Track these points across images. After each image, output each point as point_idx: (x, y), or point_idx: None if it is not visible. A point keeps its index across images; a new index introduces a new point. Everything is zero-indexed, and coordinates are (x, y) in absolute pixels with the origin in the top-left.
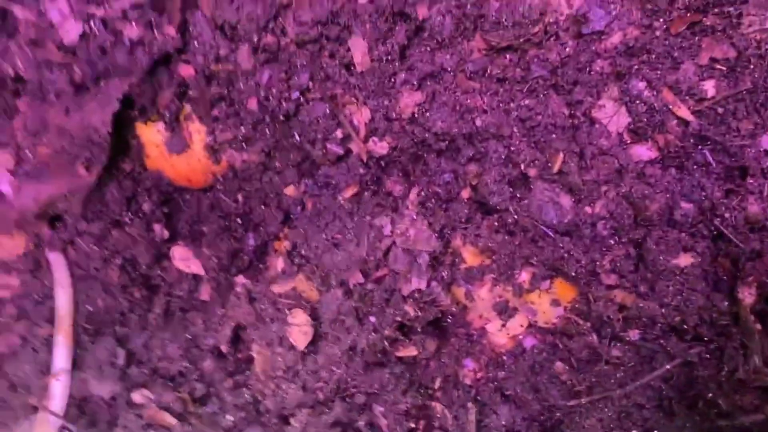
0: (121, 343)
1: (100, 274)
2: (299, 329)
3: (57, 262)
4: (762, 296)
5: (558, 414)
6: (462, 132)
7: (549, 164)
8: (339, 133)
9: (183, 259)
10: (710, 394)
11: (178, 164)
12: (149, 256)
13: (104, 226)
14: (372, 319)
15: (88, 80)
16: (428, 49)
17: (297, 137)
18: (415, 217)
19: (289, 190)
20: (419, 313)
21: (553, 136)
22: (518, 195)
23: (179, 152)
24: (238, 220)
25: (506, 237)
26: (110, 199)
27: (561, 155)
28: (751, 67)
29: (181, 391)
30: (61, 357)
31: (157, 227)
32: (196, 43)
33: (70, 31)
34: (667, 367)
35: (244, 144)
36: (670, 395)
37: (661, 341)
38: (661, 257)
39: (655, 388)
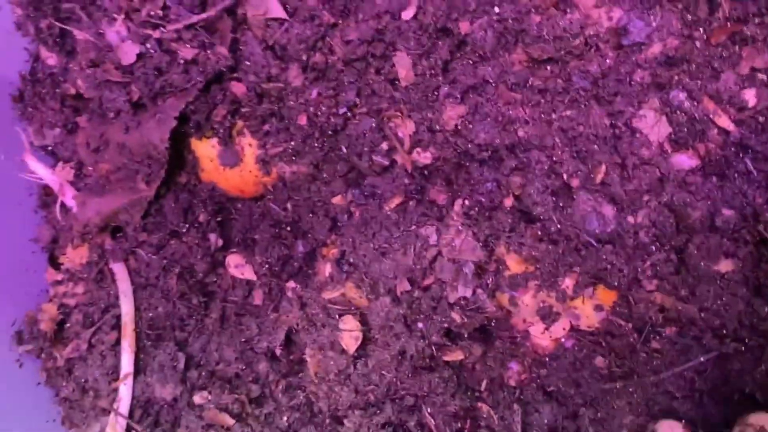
0: (181, 348)
1: (160, 282)
2: (350, 334)
3: (120, 271)
4: None
5: (593, 400)
6: (504, 143)
7: (591, 175)
8: (384, 146)
9: (237, 266)
10: (747, 389)
11: (231, 176)
12: (205, 264)
13: (163, 237)
14: (420, 325)
15: (145, 99)
16: (470, 62)
17: (344, 150)
18: (460, 227)
19: (337, 200)
20: (465, 320)
21: (595, 146)
22: (561, 205)
23: (232, 166)
24: (288, 228)
25: (550, 246)
26: (168, 211)
27: (603, 166)
28: None
29: (238, 392)
30: (127, 362)
31: (212, 236)
32: (247, 62)
33: (128, 53)
34: (702, 359)
35: (293, 157)
36: (703, 387)
37: (699, 339)
38: (702, 262)
39: (688, 379)
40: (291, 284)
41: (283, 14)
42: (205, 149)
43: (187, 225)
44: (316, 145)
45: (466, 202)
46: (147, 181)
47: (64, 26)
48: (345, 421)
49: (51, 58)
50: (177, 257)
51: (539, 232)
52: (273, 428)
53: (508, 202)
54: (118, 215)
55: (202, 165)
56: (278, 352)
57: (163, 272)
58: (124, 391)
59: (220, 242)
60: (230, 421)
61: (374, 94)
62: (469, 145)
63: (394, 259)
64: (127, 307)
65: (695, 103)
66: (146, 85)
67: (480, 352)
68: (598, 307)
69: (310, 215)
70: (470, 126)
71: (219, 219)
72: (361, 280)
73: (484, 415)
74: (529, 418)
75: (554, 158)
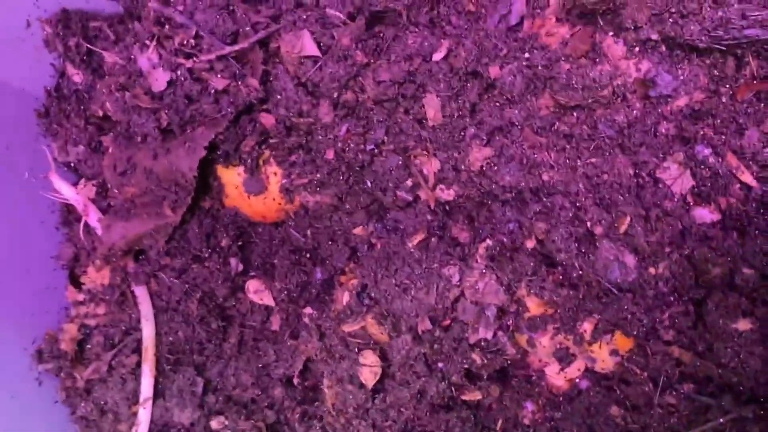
0: (200, 372)
1: (181, 307)
2: (369, 369)
3: (142, 295)
4: None
5: None
6: (529, 186)
7: (615, 223)
8: (409, 182)
9: (256, 291)
10: None
11: (255, 203)
12: (225, 289)
13: (185, 261)
14: (440, 365)
15: (174, 126)
16: (498, 104)
17: (369, 184)
18: (483, 269)
19: (358, 230)
20: (486, 362)
21: (619, 195)
22: (584, 251)
23: (257, 194)
24: (307, 255)
25: (570, 291)
26: (191, 236)
27: (627, 216)
28: None
29: (255, 418)
30: (147, 386)
31: (233, 261)
32: (278, 96)
33: (159, 80)
34: (721, 420)
35: (318, 188)
36: None
37: (717, 397)
38: (720, 320)
39: None
40: (308, 310)
41: (317, 53)
42: (231, 177)
43: (209, 250)
44: (341, 178)
45: (489, 242)
46: (173, 208)
47: (92, 48)
48: None
49: (77, 75)
50: (198, 281)
51: (561, 277)
52: None
53: (530, 243)
54: (142, 239)
55: (226, 191)
56: (295, 380)
57: (185, 296)
58: (144, 416)
59: (241, 267)
60: None
61: (402, 132)
62: (493, 186)
63: (416, 297)
64: (148, 331)
65: (719, 159)
66: (176, 113)
67: (497, 392)
68: (614, 352)
69: (330, 243)
70: (495, 167)
71: (240, 243)
72: (382, 315)
73: None
74: None
75: (578, 204)
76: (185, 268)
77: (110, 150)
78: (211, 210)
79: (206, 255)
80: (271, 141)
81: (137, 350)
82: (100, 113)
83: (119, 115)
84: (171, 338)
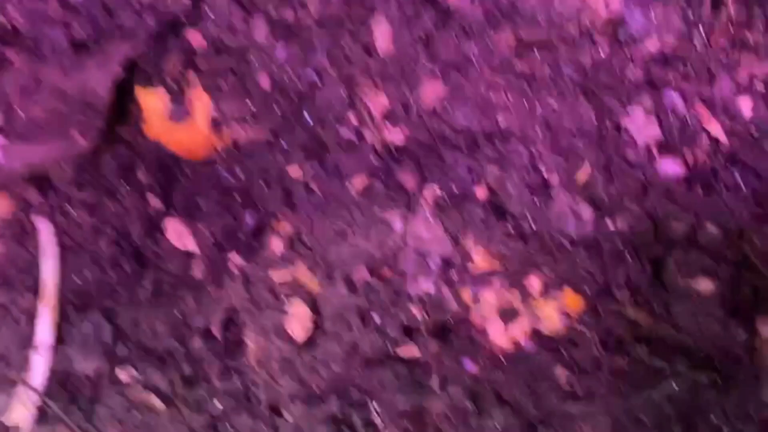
0: (109, 319)
1: (90, 245)
2: (298, 321)
3: (44, 229)
4: None
5: (552, 417)
6: (483, 129)
7: (573, 174)
8: (353, 119)
9: (177, 233)
10: (715, 420)
11: (179, 135)
12: (142, 229)
13: (97, 195)
14: (376, 319)
15: (89, 40)
16: (454, 36)
17: (308, 119)
18: (430, 218)
19: (294, 172)
20: (426, 316)
21: (579, 144)
22: (537, 202)
23: (181, 121)
24: (237, 197)
25: (520, 244)
26: (105, 168)
27: (587, 166)
28: None
29: (169, 372)
30: (44, 329)
31: (152, 199)
32: (208, 11)
33: None
34: (674, 385)
35: (250, 120)
36: (671, 414)
37: (670, 360)
38: (679, 279)
39: (656, 405)
40: (236, 258)
41: None
42: (152, 101)
43: (126, 185)
44: (277, 109)
45: (437, 189)
46: (84, 133)
47: None
48: (284, 412)
49: None
50: (111, 219)
51: (511, 229)
52: (204, 414)
53: (481, 192)
54: (48, 167)
55: (147, 118)
56: (216, 331)
57: (95, 234)
58: (39, 363)
59: (161, 205)
60: (157, 403)
61: (347, 59)
62: (445, 128)
63: (353, 244)
64: (50, 270)
65: (688, 108)
66: (91, 25)
67: (436, 349)
68: (563, 313)
69: (263, 185)
70: (448, 108)
71: (162, 182)
72: (315, 262)
73: (436, 414)
74: (482, 422)
75: (534, 151)
76: (97, 202)
77: (15, 65)
78: (129, 140)
79: (122, 190)
80: (198, 63)
81: (36, 290)
82: (9, 27)
83: (27, 26)
84: (78, 280)
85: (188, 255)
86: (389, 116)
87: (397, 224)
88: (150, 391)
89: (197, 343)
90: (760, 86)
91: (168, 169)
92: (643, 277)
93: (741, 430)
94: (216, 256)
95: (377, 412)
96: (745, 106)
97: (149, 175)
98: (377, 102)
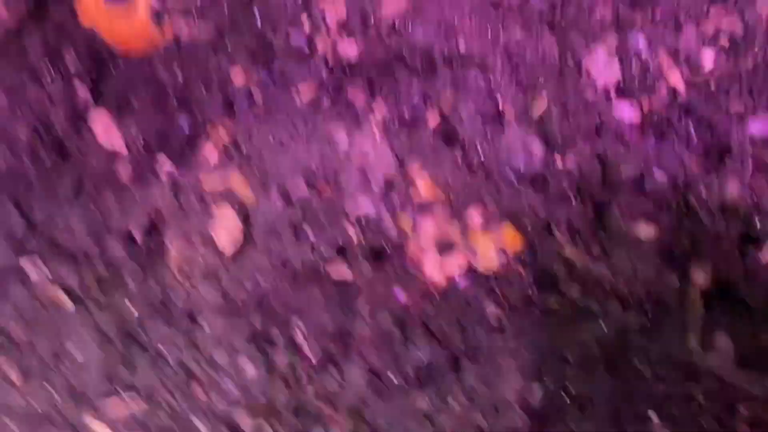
0: (21, 210)
1: (8, 132)
2: (226, 231)
3: None
4: (713, 281)
5: (478, 351)
6: (443, 52)
7: (528, 107)
8: (306, 25)
9: (104, 127)
10: (638, 364)
11: (117, 23)
12: (66, 119)
13: (18, 76)
14: (310, 234)
15: None
16: None
17: (258, 19)
18: (376, 136)
19: (237, 76)
20: (362, 239)
21: (539, 78)
22: (489, 133)
23: (119, 6)
24: (173, 98)
25: (467, 174)
26: (31, 48)
27: (544, 101)
28: (756, 48)
29: (83, 272)
30: None
31: (79, 87)
32: None
33: None
34: (603, 327)
35: (195, 14)
36: (596, 354)
37: (602, 302)
38: (622, 223)
39: (583, 344)
40: (165, 161)
41: None
42: None
43: (53, 70)
44: (224, 6)
45: (388, 111)
46: (7, 6)
47: None
48: (203, 323)
49: None
50: (33, 105)
51: (459, 158)
52: (117, 318)
53: (433, 117)
54: None
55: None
56: (137, 236)
57: (13, 118)
58: None
59: (89, 96)
60: (68, 303)
61: None
62: (403, 48)
63: (294, 156)
64: None
65: (651, 53)
66: None
67: (369, 273)
68: (500, 248)
69: (203, 88)
70: (409, 24)
71: (92, 72)
72: (251, 172)
73: (360, 339)
74: (409, 353)
75: (492, 81)
76: (19, 86)
77: None
78: (62, 23)
79: (48, 76)
80: None
81: None
82: None
83: None
84: None
85: (114, 153)
86: (345, 27)
87: (342, 140)
88: (60, 289)
89: (116, 245)
90: (724, 40)
91: (101, 58)
92: (585, 218)
93: (663, 375)
94: (144, 158)
95: (300, 330)
96: (708, 58)
97: (79, 62)
98: (334, 10)
